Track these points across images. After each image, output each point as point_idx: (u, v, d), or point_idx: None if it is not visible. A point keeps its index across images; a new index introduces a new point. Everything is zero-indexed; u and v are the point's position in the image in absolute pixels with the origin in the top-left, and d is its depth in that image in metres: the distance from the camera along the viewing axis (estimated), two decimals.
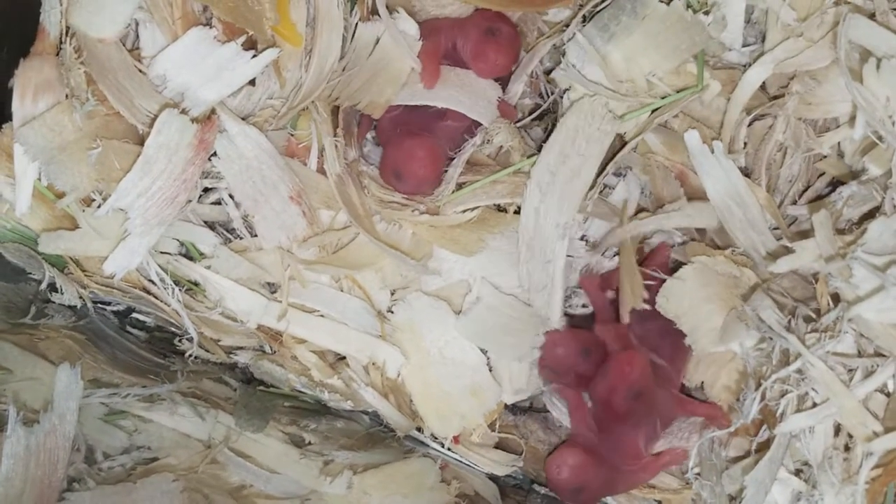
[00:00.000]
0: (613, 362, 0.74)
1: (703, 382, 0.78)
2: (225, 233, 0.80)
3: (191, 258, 0.79)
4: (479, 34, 0.75)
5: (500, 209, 0.79)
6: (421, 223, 0.77)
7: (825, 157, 0.77)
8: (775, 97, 0.76)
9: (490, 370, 0.80)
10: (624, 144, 0.76)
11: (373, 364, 0.81)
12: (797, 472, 0.74)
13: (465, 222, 0.77)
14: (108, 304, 0.83)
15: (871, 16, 0.72)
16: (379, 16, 0.75)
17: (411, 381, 0.81)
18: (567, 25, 0.77)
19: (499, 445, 0.84)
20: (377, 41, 0.76)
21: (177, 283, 0.79)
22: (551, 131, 0.76)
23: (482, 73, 0.76)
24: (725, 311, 0.74)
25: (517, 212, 0.77)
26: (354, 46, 0.76)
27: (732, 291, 0.74)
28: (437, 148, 0.76)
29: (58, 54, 0.74)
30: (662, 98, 0.75)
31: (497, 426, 0.83)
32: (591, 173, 0.74)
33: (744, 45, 0.77)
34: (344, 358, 0.82)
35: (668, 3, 0.73)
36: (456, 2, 0.78)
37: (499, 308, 0.78)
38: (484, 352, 0.80)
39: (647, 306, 0.74)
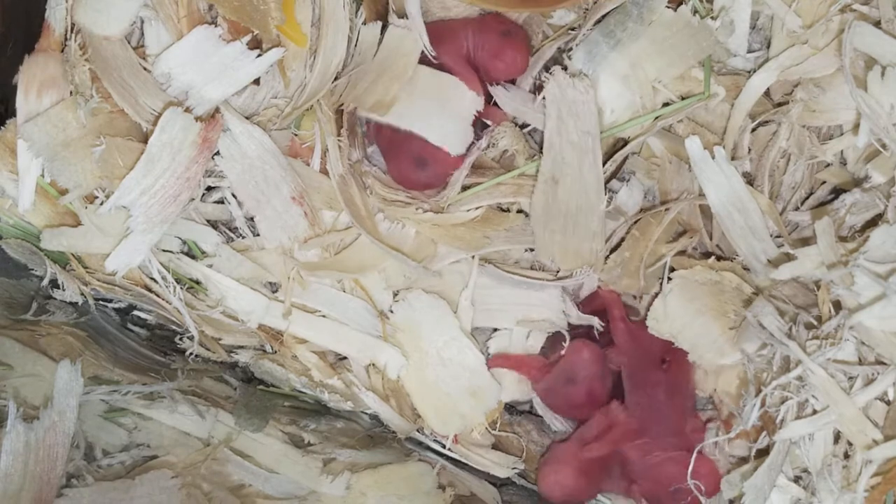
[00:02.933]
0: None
1: (715, 390, 0.79)
2: (227, 232, 0.80)
3: (193, 257, 0.79)
4: (497, 36, 0.75)
5: (503, 209, 0.79)
6: (425, 221, 0.77)
7: (828, 165, 0.77)
8: (779, 104, 0.76)
9: (489, 369, 0.80)
10: (626, 144, 0.76)
11: (373, 366, 0.81)
12: (796, 479, 0.74)
13: (469, 220, 0.78)
14: (110, 301, 0.84)
15: (877, 23, 0.72)
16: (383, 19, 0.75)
17: (410, 382, 0.81)
18: (572, 29, 0.77)
19: (497, 446, 0.84)
20: (381, 40, 0.76)
21: (178, 281, 0.79)
22: None
23: (499, 74, 0.76)
24: (719, 320, 0.74)
25: (520, 211, 0.78)
26: (360, 49, 0.76)
27: (719, 298, 0.74)
28: None
29: (62, 51, 0.74)
30: (666, 105, 0.75)
31: (498, 425, 0.83)
32: (598, 145, 0.75)
33: (749, 52, 0.77)
34: (345, 358, 0.82)
35: (675, 9, 0.73)
36: (460, 4, 0.77)
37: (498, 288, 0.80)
38: (483, 353, 0.80)
39: None
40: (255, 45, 0.74)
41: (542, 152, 0.76)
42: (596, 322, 0.78)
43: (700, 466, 0.75)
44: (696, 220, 0.78)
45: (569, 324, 0.80)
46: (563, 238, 0.76)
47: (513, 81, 0.79)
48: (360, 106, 0.74)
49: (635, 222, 0.78)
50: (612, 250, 0.78)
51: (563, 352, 0.79)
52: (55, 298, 0.80)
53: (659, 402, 0.77)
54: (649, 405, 0.77)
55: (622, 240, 0.78)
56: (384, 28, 0.76)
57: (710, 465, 0.76)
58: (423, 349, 0.80)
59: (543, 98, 0.75)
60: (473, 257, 0.78)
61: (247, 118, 0.75)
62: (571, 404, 0.80)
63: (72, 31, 0.73)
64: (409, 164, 0.76)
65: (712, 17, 0.74)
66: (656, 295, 0.77)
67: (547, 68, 0.78)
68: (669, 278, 0.76)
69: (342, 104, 0.76)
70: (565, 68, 0.76)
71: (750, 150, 0.77)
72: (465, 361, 0.80)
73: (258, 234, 0.78)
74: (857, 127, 0.74)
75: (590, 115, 0.74)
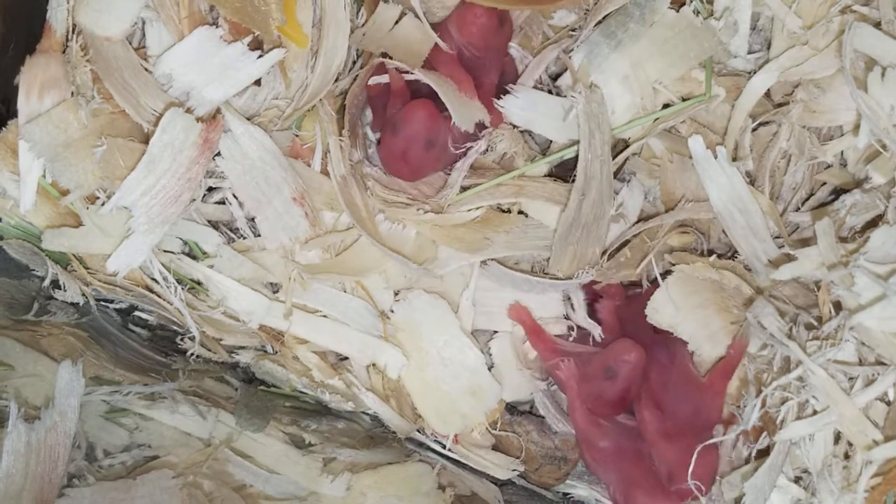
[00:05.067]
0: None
1: None
2: (228, 232, 0.81)
3: (194, 257, 0.79)
4: (464, 7, 0.73)
5: (503, 210, 0.80)
6: (425, 222, 0.77)
7: (829, 166, 0.77)
8: (780, 105, 0.77)
9: (490, 369, 0.81)
10: (626, 147, 0.76)
11: (374, 366, 0.81)
12: (797, 480, 0.74)
13: (470, 221, 0.78)
14: (111, 301, 0.84)
15: (877, 24, 0.72)
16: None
17: (410, 382, 0.81)
18: (573, 30, 0.77)
19: (497, 447, 0.84)
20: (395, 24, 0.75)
21: (179, 281, 0.79)
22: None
23: (473, 38, 0.73)
24: (720, 315, 0.74)
25: (521, 212, 0.78)
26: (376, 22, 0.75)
27: (720, 294, 0.75)
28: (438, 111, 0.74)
29: (64, 52, 0.74)
30: (667, 106, 0.75)
31: (498, 425, 0.83)
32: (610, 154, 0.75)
33: (749, 52, 0.77)
34: (346, 358, 0.82)
35: (677, 10, 0.73)
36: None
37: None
38: (483, 352, 0.80)
39: None
40: (257, 45, 0.74)
41: (544, 154, 0.77)
42: (597, 332, 0.78)
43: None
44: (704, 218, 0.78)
45: (576, 325, 0.80)
46: (576, 248, 0.76)
47: (514, 80, 0.79)
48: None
49: (639, 233, 0.78)
50: (612, 255, 0.78)
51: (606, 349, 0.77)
52: (56, 299, 0.80)
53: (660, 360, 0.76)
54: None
55: (623, 243, 0.78)
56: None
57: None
58: (424, 349, 0.80)
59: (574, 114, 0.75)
60: None
61: (248, 119, 0.75)
62: (603, 399, 0.76)
63: (73, 32, 0.73)
64: (387, 129, 0.75)
65: (715, 18, 0.75)
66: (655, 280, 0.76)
67: (548, 70, 0.79)
68: (670, 271, 0.75)
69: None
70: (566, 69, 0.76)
71: (751, 150, 0.77)
72: (465, 361, 0.80)
73: (259, 235, 0.79)
74: (857, 128, 0.74)
75: (607, 126, 0.75)
